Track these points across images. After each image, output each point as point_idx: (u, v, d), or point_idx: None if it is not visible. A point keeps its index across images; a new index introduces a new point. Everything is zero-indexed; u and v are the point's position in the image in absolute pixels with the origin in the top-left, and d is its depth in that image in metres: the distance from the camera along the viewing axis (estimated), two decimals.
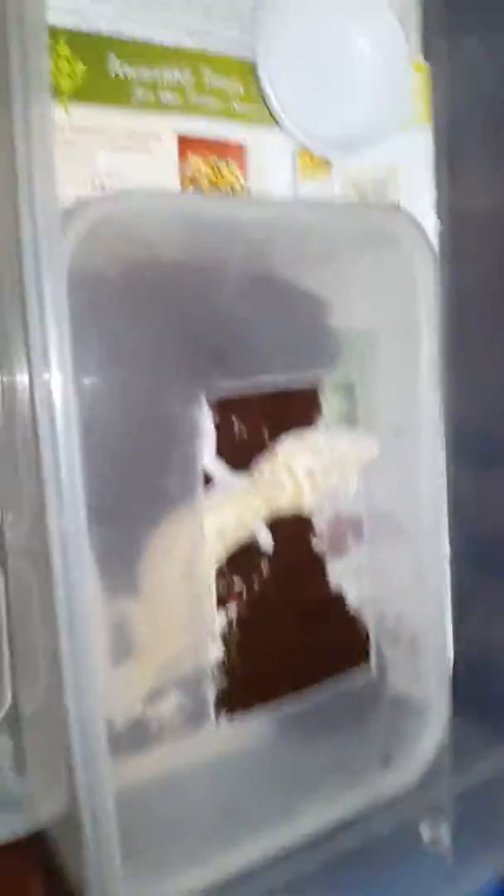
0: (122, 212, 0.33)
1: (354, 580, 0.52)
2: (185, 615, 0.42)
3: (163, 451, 0.39)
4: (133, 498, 0.39)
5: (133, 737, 0.40)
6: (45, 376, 0.31)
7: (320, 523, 0.51)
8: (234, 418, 0.41)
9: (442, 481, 0.48)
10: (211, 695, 0.43)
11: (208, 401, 0.38)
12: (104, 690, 0.36)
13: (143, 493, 0.39)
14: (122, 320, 0.34)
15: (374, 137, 0.47)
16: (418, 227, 0.42)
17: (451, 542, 0.51)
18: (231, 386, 0.38)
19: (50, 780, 0.42)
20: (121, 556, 0.39)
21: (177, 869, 0.39)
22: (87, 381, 0.34)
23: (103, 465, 0.35)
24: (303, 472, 0.41)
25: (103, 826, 0.36)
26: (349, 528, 0.52)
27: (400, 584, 0.49)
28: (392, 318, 0.42)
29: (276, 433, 0.44)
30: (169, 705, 0.41)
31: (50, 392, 0.31)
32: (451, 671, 0.48)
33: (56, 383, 0.31)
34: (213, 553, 0.42)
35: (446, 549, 0.50)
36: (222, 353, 0.37)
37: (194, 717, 0.42)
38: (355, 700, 0.46)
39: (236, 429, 0.41)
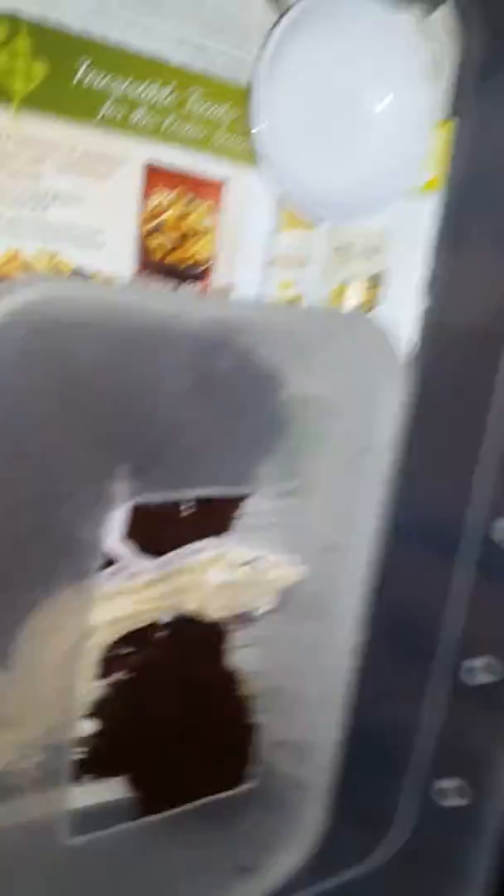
0: (42, 305, 0.28)
1: (255, 652, 0.50)
2: (59, 692, 0.38)
3: (59, 530, 0.35)
4: (20, 570, 0.35)
5: None
6: None
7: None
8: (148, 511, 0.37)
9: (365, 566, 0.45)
10: (72, 762, 0.40)
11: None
12: None
13: (31, 568, 0.35)
14: (26, 418, 0.29)
15: (371, 207, 0.41)
16: (386, 339, 0.37)
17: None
18: (150, 498, 0.34)
19: None
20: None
21: None
22: None
23: None
24: (214, 586, 0.37)
25: None
26: None
27: (301, 661, 0.47)
28: (349, 428, 0.38)
29: (195, 531, 0.40)
30: (26, 767, 0.39)
31: None
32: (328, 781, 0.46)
33: None
34: (102, 637, 0.39)
35: (355, 634, 0.48)
36: (144, 466, 0.33)
37: (53, 779, 0.39)
38: (225, 803, 0.43)
39: (149, 523, 0.37)
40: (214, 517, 0.44)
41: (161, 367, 0.32)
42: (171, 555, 0.39)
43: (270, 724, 0.46)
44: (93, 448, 0.32)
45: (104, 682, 0.42)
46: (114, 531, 0.37)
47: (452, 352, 0.45)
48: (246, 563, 0.37)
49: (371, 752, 0.48)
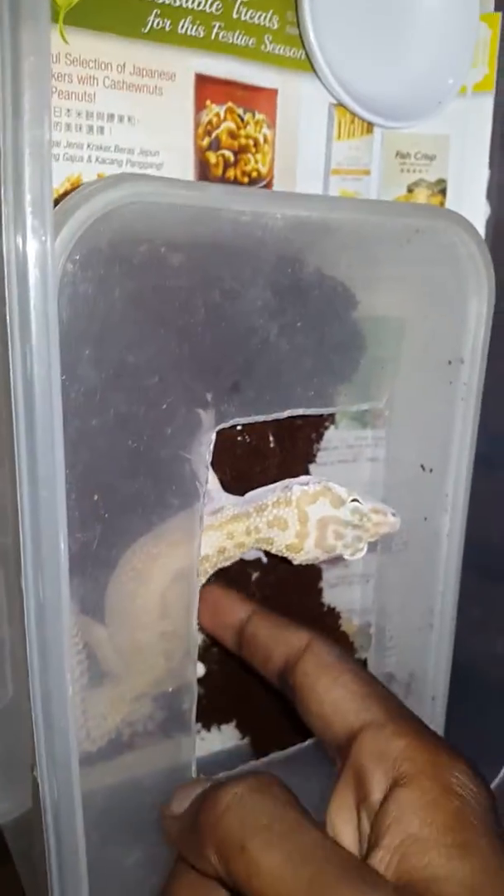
0: (125, 208, 0.26)
1: (351, 591, 0.48)
2: (165, 638, 0.37)
3: (157, 464, 0.34)
4: (119, 507, 0.34)
5: (105, 748, 0.36)
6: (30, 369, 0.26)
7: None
8: (239, 438, 0.35)
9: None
10: (191, 708, 0.39)
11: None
12: (76, 710, 0.32)
13: (131, 497, 0.34)
14: (121, 339, 0.28)
15: (426, 107, 0.40)
16: (471, 232, 0.35)
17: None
18: (244, 419, 0.32)
19: (10, 781, 0.39)
20: (100, 573, 0.34)
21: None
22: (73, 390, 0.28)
23: (88, 470, 0.30)
24: (314, 520, 0.35)
25: (65, 836, 0.32)
26: None
27: (402, 595, 0.45)
28: (434, 339, 0.36)
29: (280, 464, 0.39)
30: (146, 716, 0.38)
31: (31, 386, 0.26)
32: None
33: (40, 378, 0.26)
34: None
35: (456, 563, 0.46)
36: (237, 383, 0.31)
37: (172, 729, 0.38)
38: None
39: (239, 451, 0.36)
40: (298, 447, 0.42)
41: (243, 273, 0.31)
42: (264, 489, 0.37)
43: (375, 660, 0.44)
44: (182, 363, 0.30)
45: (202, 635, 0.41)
46: (205, 459, 0.35)
47: None
48: (352, 501, 0.36)
49: (475, 683, 0.46)
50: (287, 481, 0.37)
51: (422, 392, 0.40)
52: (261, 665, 0.34)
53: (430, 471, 0.39)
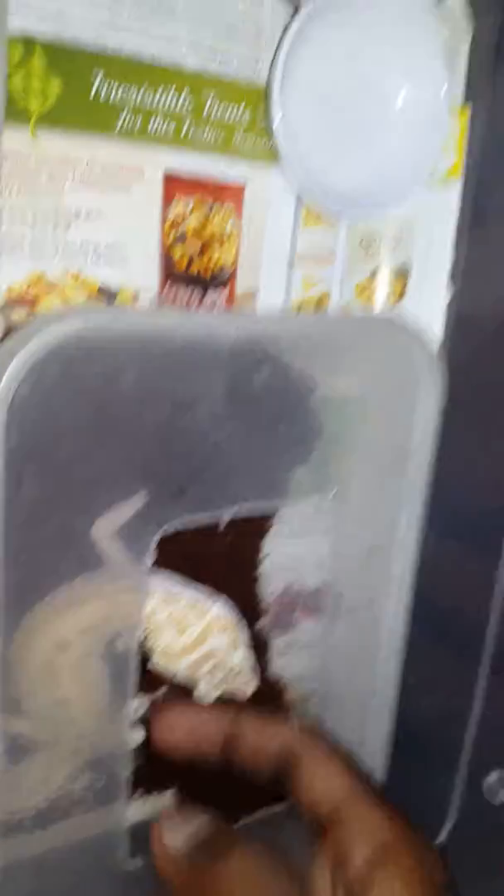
0: (76, 337, 0.28)
1: (299, 657, 0.50)
2: (67, 706, 0.38)
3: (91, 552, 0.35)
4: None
5: (33, 819, 0.38)
6: None
7: (267, 598, 0.48)
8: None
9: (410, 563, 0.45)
10: (123, 776, 0.40)
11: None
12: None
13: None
14: (68, 457, 0.29)
15: (393, 198, 0.41)
16: (422, 341, 0.36)
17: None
18: (190, 522, 0.34)
19: None
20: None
21: None
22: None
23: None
24: (207, 647, 0.37)
25: None
26: (299, 602, 0.50)
27: (346, 664, 0.47)
28: (385, 430, 0.38)
29: (237, 538, 0.40)
30: (76, 785, 0.39)
31: None
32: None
33: None
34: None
35: (400, 633, 0.48)
36: (183, 488, 0.33)
37: (104, 797, 0.40)
38: (275, 816, 0.44)
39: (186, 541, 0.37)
40: (252, 523, 0.44)
41: (195, 387, 0.32)
42: (189, 587, 0.38)
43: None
44: (129, 474, 0.32)
45: (146, 696, 0.43)
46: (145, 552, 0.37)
47: (481, 340, 0.44)
48: (245, 651, 0.37)
49: (417, 748, 0.48)
50: (214, 596, 0.38)
51: (372, 478, 0.41)
52: (250, 763, 0.37)
53: (377, 555, 0.41)
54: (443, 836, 0.52)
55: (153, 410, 0.31)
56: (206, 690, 0.38)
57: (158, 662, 0.37)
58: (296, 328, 0.34)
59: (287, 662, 0.49)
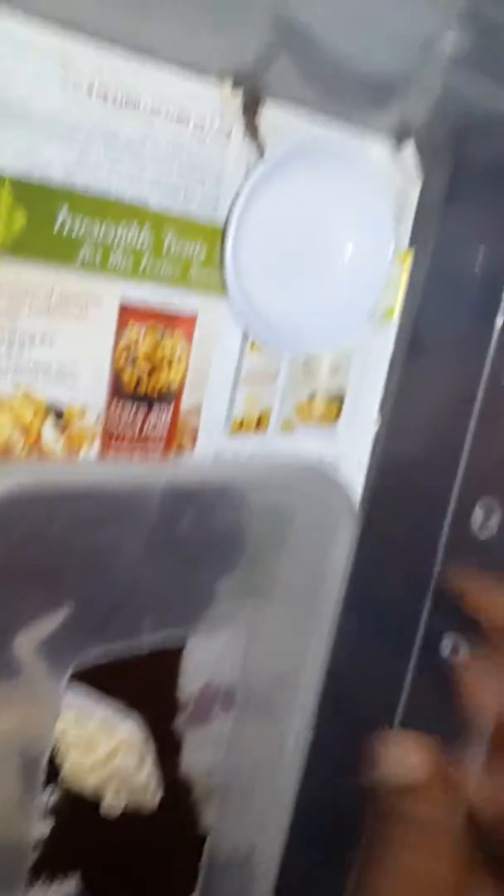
0: (14, 492, 0.29)
1: (208, 753, 0.52)
2: (9, 802, 0.39)
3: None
4: None
5: None
6: None
7: (186, 695, 0.50)
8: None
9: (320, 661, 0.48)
10: (25, 865, 0.42)
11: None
12: None
13: None
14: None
15: (334, 337, 0.43)
16: (341, 488, 0.39)
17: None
18: (108, 654, 0.36)
19: None
20: None
21: None
22: None
23: None
24: (114, 766, 0.38)
25: None
26: (217, 698, 0.52)
27: (252, 762, 0.49)
28: (302, 565, 0.40)
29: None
30: None
31: None
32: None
33: None
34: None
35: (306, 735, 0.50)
36: (103, 625, 0.35)
37: (7, 883, 0.41)
38: None
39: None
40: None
41: (123, 530, 0.34)
42: (105, 706, 0.40)
43: (218, 833, 0.48)
44: (56, 603, 0.33)
45: (53, 787, 0.44)
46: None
47: (406, 468, 0.47)
48: (150, 770, 0.39)
49: (314, 853, 0.51)
50: (124, 714, 0.39)
51: (282, 610, 0.43)
52: None
53: (285, 677, 0.44)
54: None
55: (82, 551, 0.33)
56: (112, 804, 0.39)
57: (67, 777, 0.39)
58: (223, 476, 0.36)
59: (201, 755, 0.51)
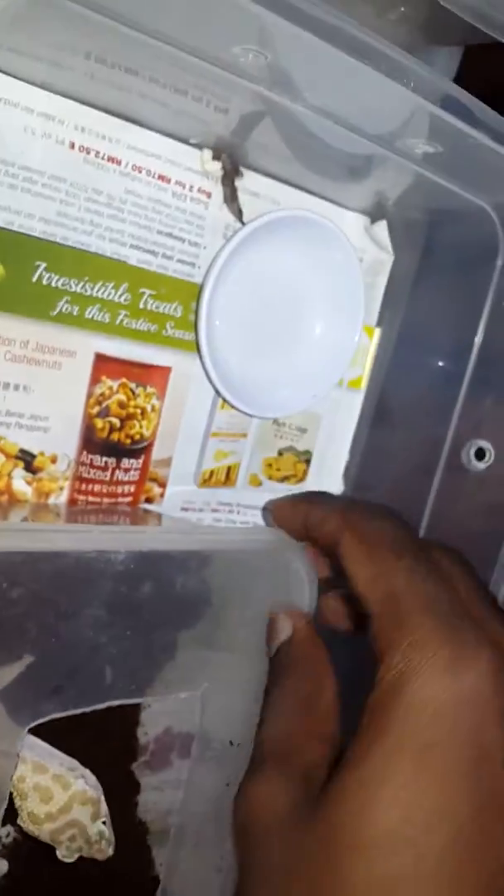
0: None
1: (169, 795, 0.51)
2: None
3: None
4: None
5: None
6: None
7: (146, 740, 0.50)
8: None
9: None
10: None
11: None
12: None
13: None
14: None
15: (301, 401, 0.44)
16: (302, 559, 0.40)
17: None
18: (60, 715, 0.35)
19: None
20: None
21: None
22: None
23: None
24: (70, 817, 0.38)
25: None
26: (177, 744, 0.52)
27: (207, 808, 0.48)
28: (258, 634, 0.40)
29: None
30: None
31: None
32: None
33: None
34: None
35: None
36: (59, 687, 0.34)
37: None
38: None
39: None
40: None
41: (80, 599, 0.34)
42: (56, 753, 0.40)
43: (171, 875, 0.47)
44: (9, 671, 0.33)
45: (10, 828, 0.43)
46: None
47: None
48: (103, 823, 0.39)
49: None
50: (79, 769, 0.40)
51: (238, 681, 0.43)
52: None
53: (238, 745, 0.43)
54: None
55: (37, 619, 0.33)
56: (66, 854, 0.39)
57: (24, 823, 0.38)
58: (184, 544, 0.37)
59: (160, 798, 0.50)
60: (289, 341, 0.44)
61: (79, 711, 0.36)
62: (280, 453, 0.48)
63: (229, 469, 0.47)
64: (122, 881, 0.48)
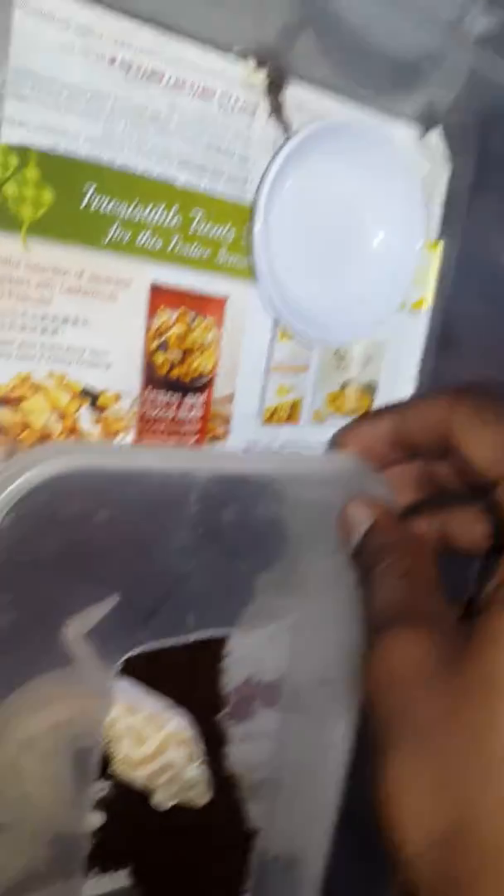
0: (58, 475, 0.28)
1: (255, 747, 0.49)
2: (62, 797, 0.37)
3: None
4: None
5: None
6: None
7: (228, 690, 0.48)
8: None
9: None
10: (82, 858, 0.39)
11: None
12: None
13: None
14: (47, 583, 0.29)
15: (363, 326, 0.42)
16: (382, 485, 0.37)
17: None
18: (156, 645, 0.34)
19: None
20: None
21: None
22: None
23: None
24: (165, 759, 0.36)
25: None
26: (258, 693, 0.50)
27: (297, 760, 0.46)
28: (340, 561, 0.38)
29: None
30: (38, 862, 0.38)
31: None
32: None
33: None
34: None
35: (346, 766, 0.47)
36: (153, 613, 0.33)
37: (64, 874, 0.38)
38: None
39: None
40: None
41: (168, 520, 0.33)
42: (151, 696, 0.38)
43: (266, 831, 0.45)
44: (105, 596, 0.32)
45: (106, 781, 0.41)
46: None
47: None
48: (200, 764, 0.38)
49: (360, 854, 0.48)
50: (173, 709, 0.38)
51: (325, 613, 0.41)
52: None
53: (330, 683, 0.41)
54: None
55: (127, 543, 0.32)
56: (162, 799, 0.37)
57: (117, 770, 0.36)
58: (264, 467, 0.35)
59: (244, 750, 0.48)
60: (347, 260, 0.42)
61: (169, 644, 0.34)
62: (343, 387, 0.46)
63: (292, 405, 0.45)
64: (218, 835, 0.46)
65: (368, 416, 0.39)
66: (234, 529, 0.35)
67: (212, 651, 0.46)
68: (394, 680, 0.28)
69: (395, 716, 0.28)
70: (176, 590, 0.34)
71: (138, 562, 0.32)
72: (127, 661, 0.34)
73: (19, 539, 0.28)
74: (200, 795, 0.38)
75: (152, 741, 0.36)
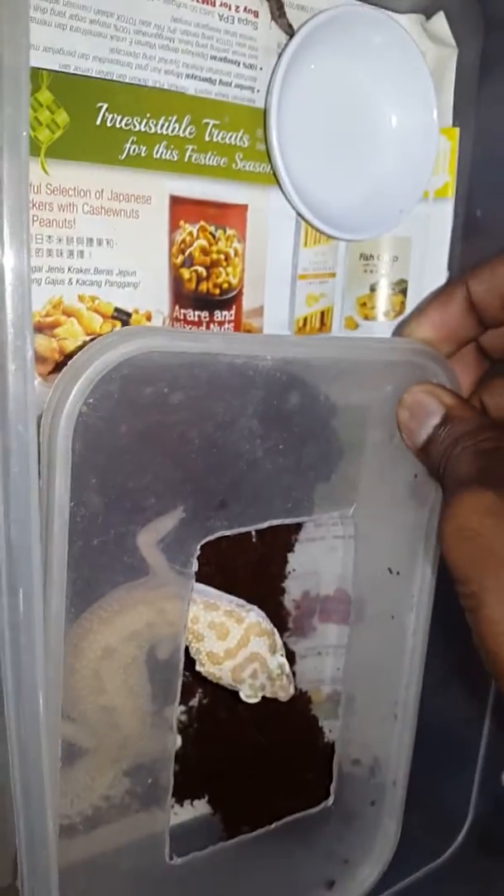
0: (135, 357, 0.29)
1: (320, 662, 0.51)
2: (111, 712, 0.39)
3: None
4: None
5: (83, 823, 0.38)
6: None
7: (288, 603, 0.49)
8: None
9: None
10: (167, 781, 0.41)
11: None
12: (54, 790, 0.34)
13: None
14: (125, 468, 0.31)
15: (388, 219, 0.42)
16: (444, 365, 0.38)
17: None
18: (228, 532, 0.35)
19: None
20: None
21: None
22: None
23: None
24: (249, 651, 0.37)
25: None
26: (317, 607, 0.51)
27: (371, 671, 0.47)
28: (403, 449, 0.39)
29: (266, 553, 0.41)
30: (122, 790, 0.40)
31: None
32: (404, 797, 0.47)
33: None
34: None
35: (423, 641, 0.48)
36: (224, 501, 0.34)
37: (147, 802, 0.40)
38: (305, 821, 0.44)
39: (223, 543, 0.38)
40: (279, 539, 0.45)
41: (235, 407, 0.33)
42: (226, 596, 0.39)
43: (344, 741, 0.47)
44: (177, 486, 0.33)
45: (183, 706, 0.43)
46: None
47: None
48: (281, 656, 0.38)
49: (436, 748, 0.49)
50: (248, 605, 0.39)
51: (389, 501, 0.42)
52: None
53: (398, 573, 0.42)
54: (463, 832, 0.53)
55: (198, 428, 0.33)
56: (250, 693, 0.38)
57: (204, 666, 0.38)
58: (327, 352, 0.36)
59: (308, 666, 0.50)
60: (364, 153, 0.42)
61: (244, 530, 0.35)
62: (373, 289, 0.46)
63: (323, 314, 0.45)
64: (297, 752, 0.48)
65: (434, 297, 0.39)
66: (301, 416, 0.36)
67: (275, 566, 0.47)
68: (472, 528, 0.29)
69: (477, 560, 0.29)
70: (247, 474, 0.35)
71: (210, 445, 0.33)
72: (199, 566, 0.35)
73: (99, 419, 0.29)
74: (285, 689, 0.39)
75: (235, 633, 0.37)
